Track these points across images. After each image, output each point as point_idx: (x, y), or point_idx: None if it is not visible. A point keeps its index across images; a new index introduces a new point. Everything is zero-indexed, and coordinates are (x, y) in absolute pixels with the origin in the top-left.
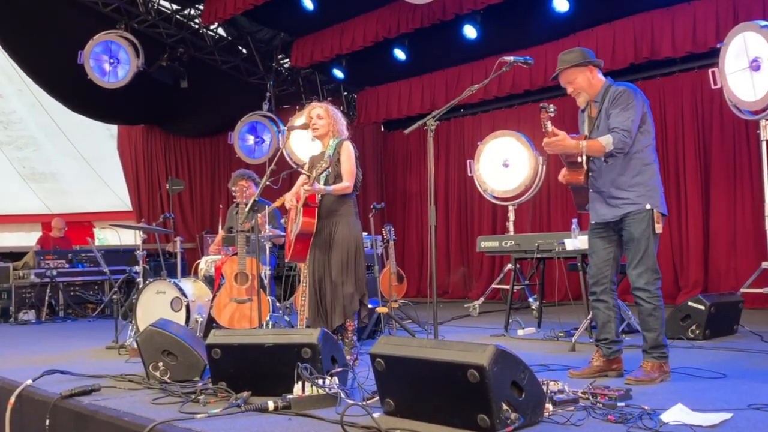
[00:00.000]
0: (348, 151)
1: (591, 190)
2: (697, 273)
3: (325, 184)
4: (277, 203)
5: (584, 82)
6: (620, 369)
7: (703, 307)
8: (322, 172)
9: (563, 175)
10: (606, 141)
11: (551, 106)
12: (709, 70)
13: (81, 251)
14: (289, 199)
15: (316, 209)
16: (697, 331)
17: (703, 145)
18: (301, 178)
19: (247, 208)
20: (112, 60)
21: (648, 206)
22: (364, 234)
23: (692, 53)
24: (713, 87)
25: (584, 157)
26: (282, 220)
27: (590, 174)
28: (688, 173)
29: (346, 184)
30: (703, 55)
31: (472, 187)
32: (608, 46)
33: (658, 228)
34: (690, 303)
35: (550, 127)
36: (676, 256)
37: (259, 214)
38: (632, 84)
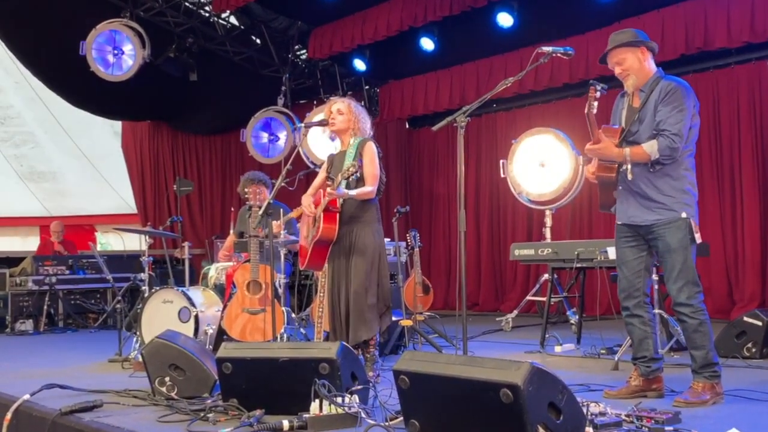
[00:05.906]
0: (371, 152)
1: (620, 187)
2: (754, 285)
3: (346, 188)
4: (294, 213)
5: (635, 63)
6: (660, 389)
7: (760, 323)
8: (348, 177)
9: (593, 168)
10: (651, 148)
11: (601, 84)
12: None
13: (82, 257)
14: (307, 204)
15: (338, 214)
16: (754, 350)
17: (762, 144)
18: (317, 180)
19: (260, 212)
20: (116, 51)
21: (684, 215)
22: (387, 240)
23: (750, 43)
24: None
25: (628, 166)
26: (298, 225)
27: (621, 169)
28: (744, 175)
29: (370, 188)
30: (762, 45)
31: (506, 189)
32: (656, 36)
33: (698, 237)
34: (746, 318)
35: (595, 107)
36: (730, 266)
37: (275, 222)
38: (684, 81)
